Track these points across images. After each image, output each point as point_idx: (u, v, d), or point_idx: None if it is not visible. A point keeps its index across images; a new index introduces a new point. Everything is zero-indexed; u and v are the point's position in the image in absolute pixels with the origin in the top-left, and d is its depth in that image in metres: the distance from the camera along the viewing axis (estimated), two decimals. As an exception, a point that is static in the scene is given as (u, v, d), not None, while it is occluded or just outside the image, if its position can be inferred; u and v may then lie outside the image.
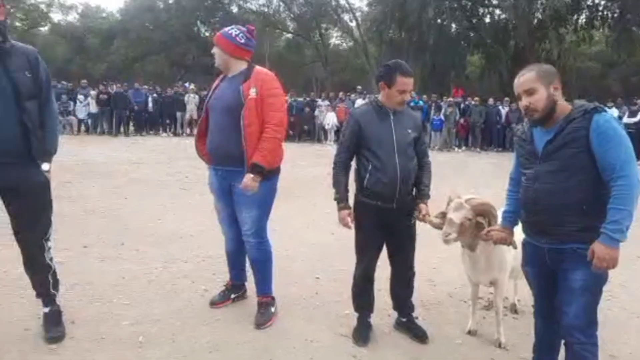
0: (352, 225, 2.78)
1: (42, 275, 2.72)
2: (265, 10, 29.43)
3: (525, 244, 2.26)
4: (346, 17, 28.35)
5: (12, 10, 25.88)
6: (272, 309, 3.06)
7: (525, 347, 2.62)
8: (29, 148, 2.51)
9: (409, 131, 2.74)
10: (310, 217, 5.70)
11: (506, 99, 15.77)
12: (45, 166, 2.61)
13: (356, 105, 15.26)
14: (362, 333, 2.86)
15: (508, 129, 14.87)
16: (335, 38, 31.84)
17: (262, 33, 27.61)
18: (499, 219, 2.47)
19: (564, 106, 2.01)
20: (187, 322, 2.99)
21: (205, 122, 3.03)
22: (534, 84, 2.00)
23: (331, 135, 15.80)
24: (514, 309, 3.34)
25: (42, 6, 27.29)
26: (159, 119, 16.26)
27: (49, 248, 2.74)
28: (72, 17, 31.90)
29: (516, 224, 2.35)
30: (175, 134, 15.95)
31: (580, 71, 25.53)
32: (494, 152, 14.76)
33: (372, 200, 2.71)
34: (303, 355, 2.69)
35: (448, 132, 15.29)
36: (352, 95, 16.78)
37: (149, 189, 7.23)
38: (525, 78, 2.03)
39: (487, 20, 25.08)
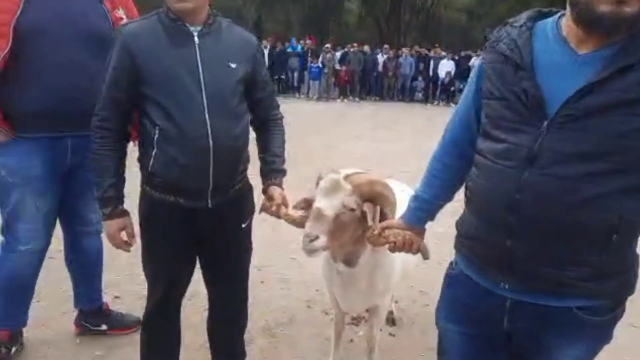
0: (135, 241, 1.65)
1: None
2: None
3: (453, 278, 1.19)
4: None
5: None
6: None
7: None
8: None
9: (232, 65, 1.52)
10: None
11: (385, 46, 15.46)
12: None
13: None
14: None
15: (385, 77, 14.86)
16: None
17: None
18: (401, 209, 1.38)
19: None
20: None
21: None
22: None
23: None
24: (390, 319, 2.45)
25: None
26: None
27: None
28: None
29: (431, 219, 1.32)
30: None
31: (450, 21, 26.32)
32: (372, 102, 14.45)
33: (165, 194, 1.53)
34: None
35: (327, 81, 14.49)
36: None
37: None
38: None
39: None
